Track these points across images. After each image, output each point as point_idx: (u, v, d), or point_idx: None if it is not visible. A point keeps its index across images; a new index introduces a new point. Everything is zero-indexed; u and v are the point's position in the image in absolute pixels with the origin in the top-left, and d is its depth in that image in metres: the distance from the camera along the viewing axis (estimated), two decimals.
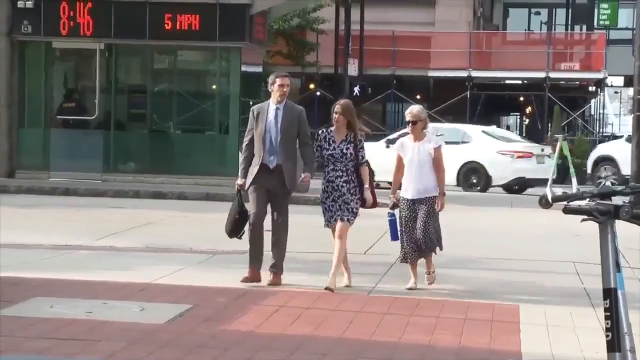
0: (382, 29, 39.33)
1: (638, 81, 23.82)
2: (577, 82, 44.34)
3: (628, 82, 41.83)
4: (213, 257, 13.19)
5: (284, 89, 10.21)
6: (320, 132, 10.42)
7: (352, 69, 36.05)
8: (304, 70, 40.29)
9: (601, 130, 52.55)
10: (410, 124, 10.51)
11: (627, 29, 46.27)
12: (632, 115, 26.31)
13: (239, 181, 10.26)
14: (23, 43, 25.98)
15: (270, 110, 10.21)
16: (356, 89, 36.62)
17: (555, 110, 40.62)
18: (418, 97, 41.23)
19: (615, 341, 5.25)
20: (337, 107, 10.28)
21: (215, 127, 27.03)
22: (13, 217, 16.01)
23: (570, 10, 48.01)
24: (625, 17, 47.96)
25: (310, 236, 13.14)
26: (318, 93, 40.74)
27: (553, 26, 51.72)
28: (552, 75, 41.01)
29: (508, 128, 49.52)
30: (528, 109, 46.41)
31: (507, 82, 44.88)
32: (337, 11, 36.17)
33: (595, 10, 49.10)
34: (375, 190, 11.42)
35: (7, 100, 24.63)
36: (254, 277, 10.11)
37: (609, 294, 5.28)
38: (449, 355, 8.74)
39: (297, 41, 38.82)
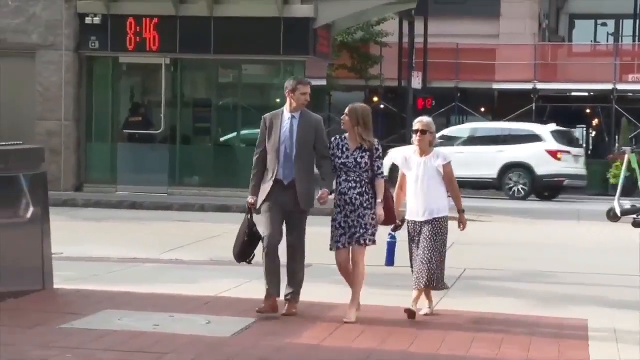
0: (445, 42, 39.27)
1: None
2: None
3: None
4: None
5: (306, 98, 9.26)
6: (333, 139, 9.40)
7: (416, 82, 36.14)
8: (367, 84, 40.10)
9: None
10: (418, 134, 9.44)
11: None
12: None
13: (250, 199, 9.27)
14: (91, 59, 26.31)
15: (285, 119, 9.19)
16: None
17: (623, 123, 40.36)
18: (482, 109, 41.56)
19: None
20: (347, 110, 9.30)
21: None
22: (81, 230, 16.38)
23: (637, 21, 47.66)
24: None
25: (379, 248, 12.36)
26: (382, 106, 40.51)
27: (620, 37, 51.26)
28: (620, 87, 40.46)
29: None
30: (595, 122, 45.97)
31: (573, 94, 44.26)
32: (401, 24, 36.58)
33: None
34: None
35: (74, 115, 25.11)
36: (272, 307, 9.23)
37: None
38: None
39: (361, 54, 38.72)
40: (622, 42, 50.37)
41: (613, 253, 17.04)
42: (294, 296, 9.37)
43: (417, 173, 9.38)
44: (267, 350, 8.85)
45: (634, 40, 49.04)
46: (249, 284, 11.97)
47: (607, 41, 49.74)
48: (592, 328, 10.59)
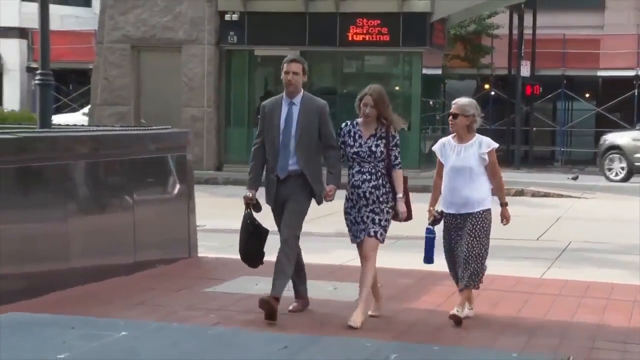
0: (553, 33, 38.19)
1: None
2: None
3: None
4: (397, 242, 12.99)
5: (289, 77, 7.63)
6: (344, 125, 7.78)
7: (525, 70, 36.03)
8: (479, 72, 38.98)
9: None
10: (451, 117, 7.89)
11: None
12: None
13: (248, 194, 7.71)
14: (229, 52, 26.88)
15: (284, 106, 7.75)
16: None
17: None
18: (587, 95, 40.55)
19: None
20: (366, 97, 7.54)
21: None
22: (221, 205, 16.74)
23: None
24: None
25: None
26: (492, 93, 39.63)
27: None
28: None
29: None
30: None
31: None
32: (511, 17, 36.30)
33: None
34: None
35: (215, 102, 25.81)
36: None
37: None
38: (620, 335, 8.47)
39: (473, 45, 37.34)
40: None
41: None
42: (304, 290, 8.18)
43: (454, 161, 7.88)
44: (389, 312, 8.81)
45: None
46: None
47: None
48: None
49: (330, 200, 7.58)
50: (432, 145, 8.29)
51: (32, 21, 32.65)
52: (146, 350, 6.86)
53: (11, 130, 12.40)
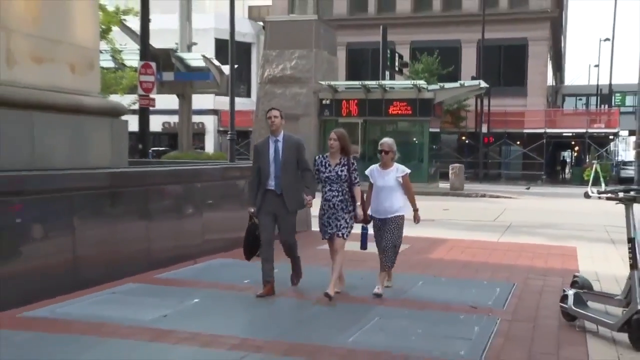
0: (499, 109, 40.64)
1: (637, 133, 27.96)
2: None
3: (632, 133, 41.46)
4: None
5: (271, 120, 7.34)
6: (316, 157, 7.60)
7: (484, 129, 39.51)
8: (459, 130, 42.03)
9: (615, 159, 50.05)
10: (382, 153, 7.70)
11: (632, 106, 46.17)
12: (635, 151, 29.60)
13: (251, 210, 7.48)
14: (324, 121, 30.18)
15: (271, 142, 7.41)
16: None
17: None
18: (517, 142, 42.02)
19: (634, 264, 5.74)
20: (332, 135, 7.52)
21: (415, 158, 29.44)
22: None
23: None
24: (630, 99, 51.14)
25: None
26: (467, 141, 42.75)
27: None
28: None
29: None
30: None
31: None
32: (476, 100, 39.33)
33: None
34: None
35: (317, 148, 26.58)
36: (268, 291, 7.44)
37: (631, 240, 5.75)
38: (542, 271, 9.04)
39: (456, 116, 40.89)
40: None
41: (589, 215, 17.79)
42: (297, 277, 7.94)
43: (381, 182, 7.69)
44: (419, 260, 9.65)
45: None
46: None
47: None
48: (580, 251, 11.04)
49: (309, 207, 7.50)
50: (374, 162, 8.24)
51: (219, 105, 40.52)
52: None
53: (218, 163, 14.66)
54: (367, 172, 7.83)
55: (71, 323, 6.17)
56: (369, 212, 7.71)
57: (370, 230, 7.96)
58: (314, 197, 7.38)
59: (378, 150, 7.92)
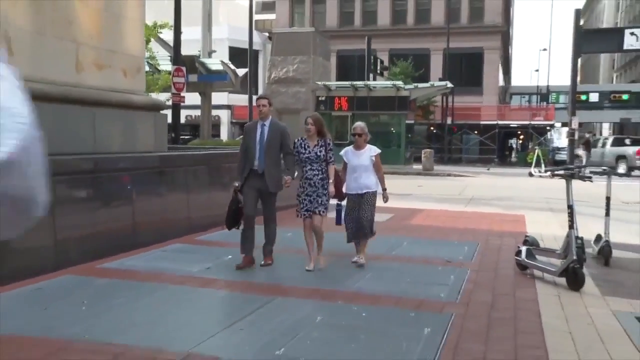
0: (461, 104, 40.80)
1: (570, 124, 27.21)
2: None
3: (564, 124, 39.73)
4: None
5: (260, 108, 6.75)
6: (296, 140, 6.86)
7: (449, 121, 39.58)
8: (429, 122, 42.37)
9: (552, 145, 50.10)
10: (356, 136, 7.08)
11: (565, 103, 44.77)
12: (567, 139, 28.55)
13: (236, 184, 6.90)
14: (320, 114, 23.64)
15: (259, 126, 6.82)
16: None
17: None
18: (475, 132, 41.88)
19: (572, 225, 5.92)
20: (309, 119, 6.83)
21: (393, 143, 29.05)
22: None
23: None
24: (563, 97, 49.14)
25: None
26: (435, 131, 42.49)
27: None
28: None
29: None
30: None
31: None
32: (442, 97, 39.66)
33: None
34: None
35: None
36: (248, 262, 6.83)
37: (570, 207, 5.91)
38: (499, 233, 9.10)
39: (426, 110, 41.23)
40: None
41: (536, 190, 17.77)
42: (269, 250, 7.08)
43: (356, 162, 7.09)
44: (402, 225, 9.63)
45: None
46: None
47: None
48: (527, 218, 11.11)
49: (288, 187, 6.82)
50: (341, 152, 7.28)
51: (232, 100, 40.39)
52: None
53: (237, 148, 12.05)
54: (341, 153, 7.26)
55: (137, 272, 6.40)
56: (344, 189, 7.17)
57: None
58: (293, 179, 6.84)
59: (352, 133, 7.36)
